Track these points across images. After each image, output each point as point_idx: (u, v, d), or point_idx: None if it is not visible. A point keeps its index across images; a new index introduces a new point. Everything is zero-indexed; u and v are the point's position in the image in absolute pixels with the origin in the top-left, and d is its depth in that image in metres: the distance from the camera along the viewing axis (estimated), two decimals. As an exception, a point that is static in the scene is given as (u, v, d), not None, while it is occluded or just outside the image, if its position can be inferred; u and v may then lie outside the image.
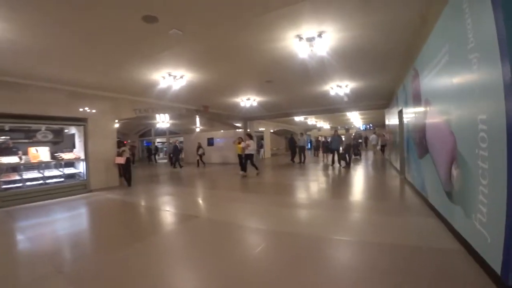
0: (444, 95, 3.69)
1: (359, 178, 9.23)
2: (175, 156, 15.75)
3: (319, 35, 4.63)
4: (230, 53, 5.72)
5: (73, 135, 8.87)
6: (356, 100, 12.75)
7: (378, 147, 18.62)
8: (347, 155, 11.87)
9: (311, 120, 23.14)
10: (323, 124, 29.15)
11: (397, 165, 9.83)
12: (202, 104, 12.23)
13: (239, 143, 10.61)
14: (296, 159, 15.32)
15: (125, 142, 11.85)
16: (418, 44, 5.17)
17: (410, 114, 6.66)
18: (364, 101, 13.32)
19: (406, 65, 6.61)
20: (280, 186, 7.86)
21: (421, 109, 5.26)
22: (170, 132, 24.05)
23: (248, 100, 10.79)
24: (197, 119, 16.81)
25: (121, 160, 8.78)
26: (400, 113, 8.80)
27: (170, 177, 11.78)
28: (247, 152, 10.12)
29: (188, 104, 12.05)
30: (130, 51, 5.28)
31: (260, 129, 21.09)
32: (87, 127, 8.25)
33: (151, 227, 4.50)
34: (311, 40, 4.71)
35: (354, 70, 7.55)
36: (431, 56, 4.24)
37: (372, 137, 21.70)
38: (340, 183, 8.14)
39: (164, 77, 6.94)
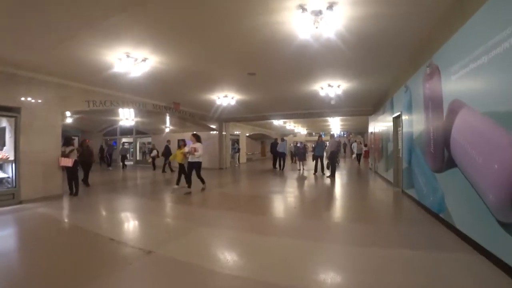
0: (501, 94, 2.72)
1: (347, 190, 8.29)
2: (121, 158, 16.64)
3: (329, 7, 3.51)
4: (207, 28, 4.44)
5: (4, 129, 7.04)
6: (342, 105, 11.94)
7: (353, 156, 18.11)
8: (331, 164, 10.96)
9: (290, 125, 22.28)
10: (301, 130, 28.51)
11: (389, 176, 9.04)
12: (173, 100, 10.73)
13: (182, 147, 8.63)
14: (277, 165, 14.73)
15: (87, 141, 10.10)
16: (442, 35, 4.25)
17: (417, 119, 5.77)
18: (350, 106, 12.58)
19: (415, 62, 5.73)
20: (257, 201, 6.66)
21: (440, 113, 4.32)
22: (138, 132, 21.97)
23: (225, 98, 9.49)
24: (167, 118, 15.17)
25: (68, 162, 7.08)
26: (397, 119, 7.99)
27: (122, 183, 10.14)
28: (192, 159, 7.53)
29: (156, 100, 10.49)
30: (75, 16, 3.82)
31: (236, 132, 19.80)
32: (20, 120, 6.49)
33: (76, 271, 3.01)
34: (317, 14, 3.59)
35: (353, 66, 6.61)
36: (470, 46, 3.30)
37: (353, 144, 21.37)
38: (327, 197, 7.09)
39: (120, 59, 5.46)
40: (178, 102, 10.98)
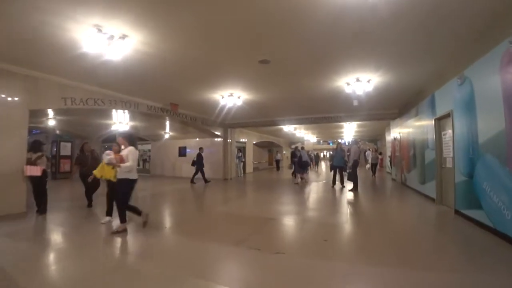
0: None
1: (380, 210, 6.75)
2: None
3: None
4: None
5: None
6: (364, 108, 10.47)
7: (368, 166, 15.98)
8: (353, 175, 9.43)
9: (300, 132, 20.81)
10: (311, 137, 27.01)
11: (426, 191, 7.52)
12: (170, 101, 9.41)
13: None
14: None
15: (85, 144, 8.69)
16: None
17: (488, 118, 4.30)
18: (373, 109, 11.09)
19: (484, 41, 4.28)
20: (271, 227, 5.18)
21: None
22: (138, 139, 20.73)
23: (230, 97, 8.11)
24: (167, 123, 13.89)
25: (35, 171, 5.73)
26: (441, 121, 6.53)
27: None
28: (121, 175, 4.49)
29: (150, 100, 9.19)
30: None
31: (242, 139, 18.43)
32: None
33: None
34: None
35: (393, 52, 5.19)
36: None
37: (368, 153, 19.72)
38: (361, 222, 5.55)
39: (90, 36, 4.13)
40: (176, 104, 9.65)
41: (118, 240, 4.13)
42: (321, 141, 45.21)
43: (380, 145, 24.50)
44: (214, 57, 5.33)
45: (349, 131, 20.27)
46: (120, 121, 12.29)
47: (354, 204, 7.13)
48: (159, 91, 8.16)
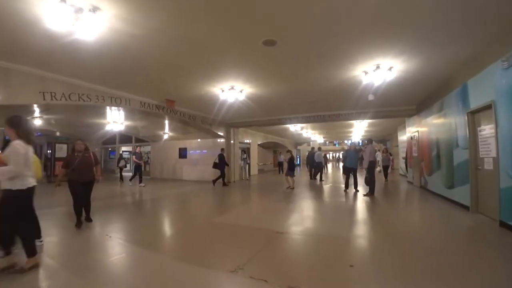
0: None
1: (405, 219, 5.86)
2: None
3: None
4: None
5: None
6: (378, 104, 9.58)
7: (378, 169, 14.56)
8: (370, 178, 8.51)
9: (307, 132, 19.89)
10: (317, 137, 26.05)
11: (455, 196, 6.65)
12: (165, 96, 8.60)
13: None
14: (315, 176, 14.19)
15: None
16: None
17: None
18: (388, 105, 10.17)
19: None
20: (281, 246, 4.31)
21: None
22: (137, 140, 20.06)
23: (231, 91, 7.26)
24: (166, 123, 13.11)
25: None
26: (476, 115, 5.64)
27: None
28: (4, 185, 3.00)
29: (144, 95, 8.40)
30: None
31: (246, 140, 17.58)
32: None
33: None
34: None
35: (422, 30, 4.29)
36: None
37: (377, 154, 18.61)
38: (387, 236, 4.64)
39: (53, 8, 3.33)
40: (172, 100, 8.84)
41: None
42: (327, 142, 44.18)
43: (390, 145, 23.43)
44: (212, 37, 4.48)
45: (358, 130, 19.30)
46: (115, 120, 11.52)
47: (373, 212, 6.21)
48: (152, 85, 7.35)
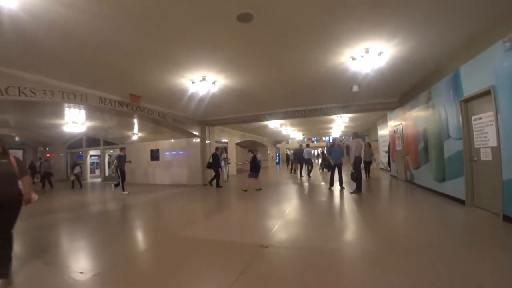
0: None
1: (401, 218, 5.38)
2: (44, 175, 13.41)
3: None
4: None
5: None
6: (361, 97, 9.16)
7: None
8: (356, 174, 8.04)
9: (286, 129, 19.36)
10: (297, 135, 25.69)
11: (447, 189, 6.32)
12: (129, 91, 7.62)
13: None
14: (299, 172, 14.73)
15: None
16: None
17: None
18: (370, 98, 9.80)
19: None
20: (268, 264, 3.64)
21: None
22: (106, 143, 18.62)
23: (203, 83, 6.44)
24: (135, 122, 12.00)
25: None
26: (469, 103, 5.27)
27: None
28: None
29: (104, 90, 7.38)
30: None
31: (223, 140, 16.75)
32: None
33: None
34: None
35: (413, 10, 3.75)
36: None
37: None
38: (388, 244, 4.08)
39: None
40: (138, 95, 7.87)
41: None
42: (306, 139, 44.23)
43: (369, 140, 23.53)
44: (178, 13, 3.68)
45: (338, 126, 19.04)
46: (74, 120, 10.29)
47: (365, 212, 5.66)
48: (111, 78, 6.39)
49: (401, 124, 10.07)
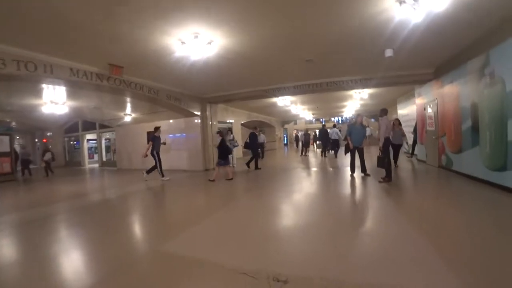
0: None
1: (480, 230, 4.00)
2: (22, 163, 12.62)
3: None
4: None
5: None
6: (392, 65, 7.62)
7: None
8: (384, 159, 6.66)
9: (296, 107, 17.80)
10: (307, 114, 24.11)
11: (507, 181, 4.88)
12: (108, 61, 6.23)
13: None
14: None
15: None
16: None
17: None
18: (400, 69, 8.24)
19: None
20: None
21: None
22: (101, 126, 17.46)
23: (196, 42, 4.97)
24: (127, 102, 10.67)
25: None
26: None
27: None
28: None
29: (74, 59, 6.00)
30: None
31: (228, 120, 15.38)
32: None
33: None
34: None
35: None
36: None
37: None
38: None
39: None
40: (119, 65, 6.48)
41: None
42: (314, 119, 42.45)
43: (394, 120, 21.86)
44: None
45: (353, 104, 17.41)
46: (53, 99, 8.99)
47: (411, 213, 4.30)
48: (82, 42, 5.01)
49: (436, 99, 8.52)
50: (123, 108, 11.80)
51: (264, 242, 3.37)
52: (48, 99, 8.98)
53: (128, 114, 12.69)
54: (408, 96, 13.62)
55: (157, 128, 9.25)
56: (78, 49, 5.45)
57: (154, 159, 9.00)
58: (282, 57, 6.61)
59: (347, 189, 6.38)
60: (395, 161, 9.27)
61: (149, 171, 9.26)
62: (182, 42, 4.95)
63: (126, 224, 4.62)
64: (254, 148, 10.74)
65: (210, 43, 5.03)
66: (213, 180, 8.11)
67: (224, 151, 8.40)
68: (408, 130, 12.46)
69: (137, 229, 4.42)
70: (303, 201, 5.56)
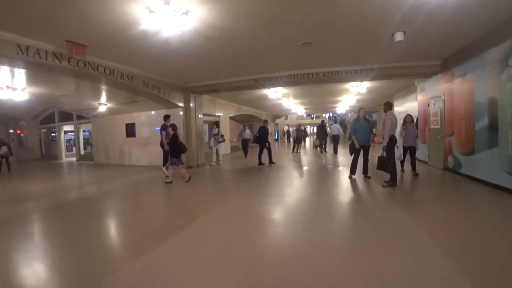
0: None
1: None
2: None
3: None
4: None
5: None
6: (397, 55, 6.84)
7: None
8: (389, 161, 5.87)
9: (288, 101, 16.93)
10: (299, 109, 23.30)
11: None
12: (65, 36, 5.18)
13: None
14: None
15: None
16: None
17: None
18: (408, 60, 7.49)
19: None
20: None
21: None
22: (79, 117, 16.18)
23: (167, 11, 3.98)
24: (102, 90, 9.56)
25: None
26: None
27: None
28: None
29: (21, 33, 4.92)
30: None
31: (217, 113, 14.41)
32: None
33: None
34: None
35: None
36: None
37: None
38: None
39: None
40: (80, 43, 5.43)
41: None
42: (305, 115, 41.73)
43: (378, 118, 21.27)
44: None
45: (349, 99, 16.64)
46: (9, 85, 7.82)
47: (433, 228, 3.53)
48: (33, 11, 3.98)
49: (443, 95, 7.79)
50: (96, 96, 10.66)
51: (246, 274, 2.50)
52: (2, 84, 7.81)
53: (103, 104, 11.54)
54: (407, 92, 12.95)
55: (167, 117, 8.21)
56: (27, 21, 4.40)
57: (163, 150, 8.06)
58: (275, 37, 5.65)
59: (347, 196, 5.50)
60: (413, 167, 7.34)
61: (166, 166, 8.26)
62: (151, 11, 3.95)
63: (56, 247, 3.62)
64: (263, 142, 10.32)
65: (186, 13, 4.05)
66: (170, 182, 7.14)
67: (176, 148, 7.13)
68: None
69: (81, 253, 3.25)
70: (292, 212, 4.65)
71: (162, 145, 8.01)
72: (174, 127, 7.36)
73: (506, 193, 4.98)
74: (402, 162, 7.63)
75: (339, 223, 3.99)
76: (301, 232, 3.58)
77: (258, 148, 10.59)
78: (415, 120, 9.04)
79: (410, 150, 7.31)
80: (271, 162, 10.31)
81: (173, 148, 7.13)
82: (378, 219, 3.98)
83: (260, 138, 10.38)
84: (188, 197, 5.96)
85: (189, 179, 7.27)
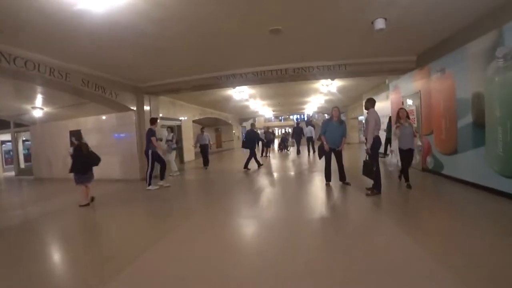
0: None
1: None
2: None
3: None
4: None
5: None
6: (372, 49, 6.32)
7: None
8: (374, 166, 5.23)
9: (255, 102, 16.13)
10: (266, 111, 22.66)
11: None
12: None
13: None
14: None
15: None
16: None
17: None
18: (383, 55, 7.06)
19: None
20: None
21: None
22: (17, 124, 14.01)
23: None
24: (35, 91, 7.99)
25: None
26: None
27: None
28: None
29: None
30: None
31: (181, 118, 13.20)
32: None
33: None
34: None
35: None
36: None
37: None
38: None
39: None
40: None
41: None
42: (273, 117, 41.49)
43: (346, 118, 21.29)
44: None
45: (317, 100, 16.27)
46: None
47: (434, 245, 2.85)
48: None
49: (419, 91, 7.43)
50: (27, 99, 8.98)
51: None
52: None
53: (39, 108, 9.83)
54: (377, 91, 12.74)
55: (154, 120, 7.43)
56: None
57: (147, 160, 7.23)
58: (240, 24, 4.77)
59: (323, 209, 4.70)
60: (406, 177, 5.77)
61: (162, 176, 7.56)
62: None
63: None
64: (251, 147, 10.00)
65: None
66: (87, 204, 5.70)
67: (84, 162, 5.60)
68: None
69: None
70: (260, 243, 3.79)
71: (147, 152, 7.12)
72: (77, 136, 5.88)
73: (495, 195, 4.54)
74: (402, 171, 5.95)
75: (312, 252, 3.16)
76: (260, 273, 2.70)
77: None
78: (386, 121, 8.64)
79: (407, 153, 5.70)
80: (246, 167, 9.83)
81: (80, 163, 5.55)
82: (365, 241, 3.23)
83: (248, 143, 10.04)
84: (170, 206, 4.83)
85: (88, 204, 5.73)
